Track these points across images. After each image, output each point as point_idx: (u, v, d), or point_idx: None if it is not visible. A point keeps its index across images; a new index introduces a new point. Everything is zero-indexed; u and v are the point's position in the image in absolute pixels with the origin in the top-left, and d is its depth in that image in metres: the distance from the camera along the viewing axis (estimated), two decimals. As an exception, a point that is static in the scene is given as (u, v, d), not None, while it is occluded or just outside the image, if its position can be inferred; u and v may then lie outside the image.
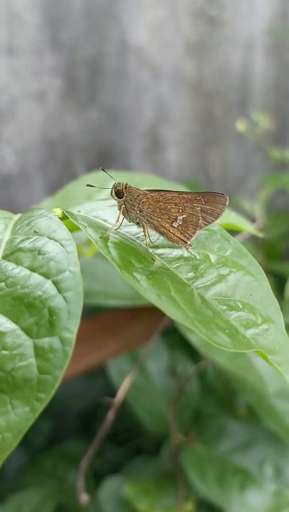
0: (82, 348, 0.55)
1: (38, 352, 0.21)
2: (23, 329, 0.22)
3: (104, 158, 0.76)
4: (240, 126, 0.74)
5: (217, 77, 0.83)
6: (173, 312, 0.22)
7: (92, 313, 0.61)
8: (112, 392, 0.56)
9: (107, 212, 0.29)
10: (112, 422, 0.53)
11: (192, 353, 0.61)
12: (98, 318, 0.58)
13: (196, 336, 0.49)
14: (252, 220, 0.67)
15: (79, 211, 0.29)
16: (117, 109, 0.75)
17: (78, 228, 0.26)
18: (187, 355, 0.63)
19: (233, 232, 0.36)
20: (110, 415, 0.51)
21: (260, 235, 0.38)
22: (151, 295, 0.22)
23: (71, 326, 0.21)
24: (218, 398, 0.63)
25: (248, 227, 0.37)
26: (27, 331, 0.22)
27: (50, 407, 0.21)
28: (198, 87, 0.82)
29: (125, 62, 0.74)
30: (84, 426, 0.78)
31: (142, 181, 0.39)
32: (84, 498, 0.46)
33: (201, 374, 0.63)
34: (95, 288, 0.55)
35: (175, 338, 0.62)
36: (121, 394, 0.52)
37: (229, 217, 0.36)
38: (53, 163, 0.71)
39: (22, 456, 0.69)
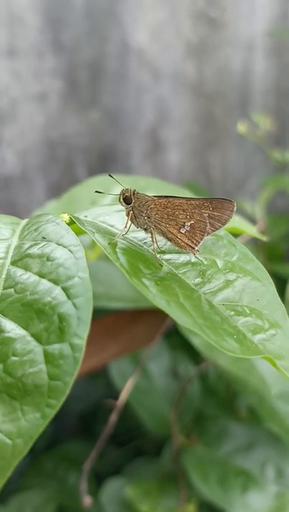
0: (85, 350, 0.54)
1: (48, 358, 0.21)
2: (32, 335, 0.22)
3: (104, 160, 0.76)
4: (241, 127, 0.74)
5: (217, 79, 0.83)
6: (182, 318, 0.22)
7: (94, 316, 0.61)
8: (114, 394, 0.56)
9: (114, 217, 0.29)
10: (113, 424, 0.53)
11: (194, 354, 0.61)
12: (100, 320, 0.58)
13: (198, 338, 0.49)
14: (253, 221, 0.67)
15: (86, 216, 0.29)
16: (117, 111, 0.75)
17: (83, 232, 0.27)
18: (189, 357, 0.63)
19: (235, 234, 0.36)
20: (113, 418, 0.51)
21: (264, 238, 0.38)
22: (160, 301, 0.23)
23: (81, 333, 0.21)
24: (220, 400, 0.63)
25: (252, 231, 0.38)
26: (37, 337, 0.22)
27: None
28: (199, 88, 0.82)
29: (126, 63, 0.74)
30: (85, 427, 0.78)
31: (146, 185, 0.39)
32: (87, 501, 0.46)
33: (203, 376, 0.63)
34: (98, 290, 0.55)
35: (177, 339, 0.63)
36: (124, 396, 0.52)
37: (233, 220, 0.36)
38: (53, 164, 0.71)
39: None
